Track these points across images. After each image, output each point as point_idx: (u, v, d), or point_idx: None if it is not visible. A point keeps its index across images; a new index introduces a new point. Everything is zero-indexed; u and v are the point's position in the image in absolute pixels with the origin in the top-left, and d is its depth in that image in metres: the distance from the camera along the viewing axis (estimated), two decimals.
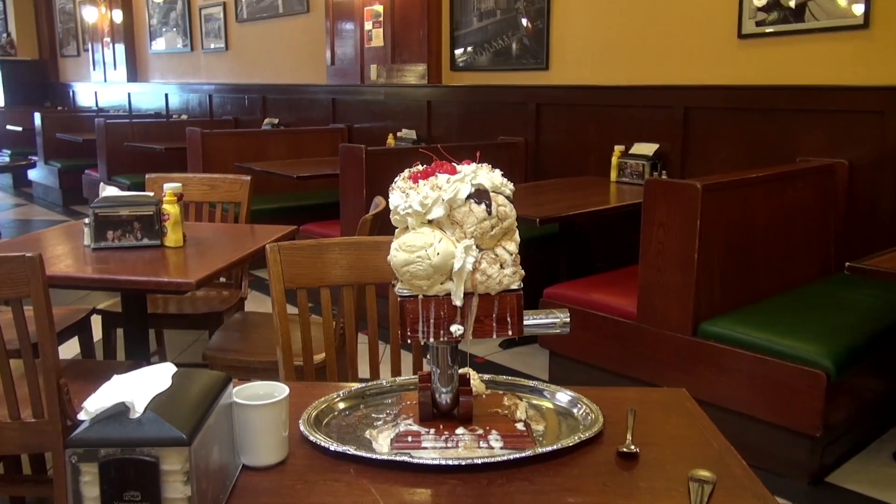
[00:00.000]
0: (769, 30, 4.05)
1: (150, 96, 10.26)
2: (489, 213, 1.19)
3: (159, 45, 9.95)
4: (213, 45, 8.88)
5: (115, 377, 1.06)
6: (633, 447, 1.26)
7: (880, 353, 3.09)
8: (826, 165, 3.77)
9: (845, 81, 3.78)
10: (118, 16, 10.46)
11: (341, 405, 1.43)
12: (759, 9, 4.07)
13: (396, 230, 1.25)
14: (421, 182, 1.21)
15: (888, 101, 3.62)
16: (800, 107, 3.95)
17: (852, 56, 3.77)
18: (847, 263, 2.58)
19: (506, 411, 1.36)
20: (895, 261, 2.62)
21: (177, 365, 1.14)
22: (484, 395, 1.42)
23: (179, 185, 2.78)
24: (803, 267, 3.65)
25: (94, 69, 11.45)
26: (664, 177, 4.39)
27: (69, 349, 3.07)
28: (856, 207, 3.81)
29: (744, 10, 4.12)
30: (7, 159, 8.88)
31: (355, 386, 1.50)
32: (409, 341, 1.23)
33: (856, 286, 3.39)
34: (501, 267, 1.21)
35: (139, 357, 2.78)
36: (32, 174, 9.98)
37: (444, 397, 1.31)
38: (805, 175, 3.68)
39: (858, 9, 3.70)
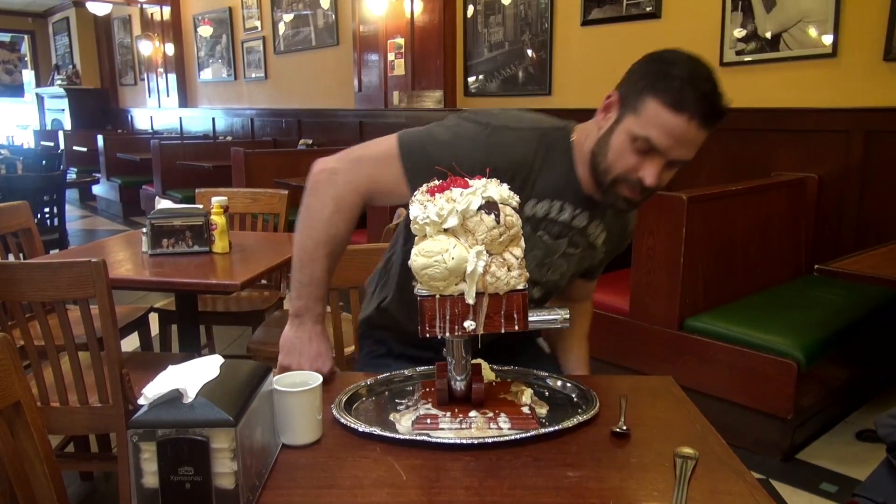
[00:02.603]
0: (748, 58, 4.04)
1: (198, 120, 10.31)
2: (498, 222, 1.19)
3: (207, 74, 10.01)
4: (254, 75, 8.92)
5: (171, 367, 1.07)
6: (625, 428, 1.26)
7: (845, 345, 3.08)
8: (798, 179, 3.75)
9: (815, 104, 3.76)
10: (170, 49, 10.53)
11: (368, 391, 1.44)
12: (739, 39, 4.06)
13: (416, 238, 1.26)
14: (437, 195, 1.22)
15: (853, 121, 3.61)
16: (775, 127, 3.94)
17: (822, 82, 3.75)
18: (816, 266, 2.57)
19: (513, 397, 1.36)
20: (859, 263, 2.60)
21: (224, 356, 1.15)
22: (494, 383, 1.42)
23: (225, 198, 2.80)
24: (777, 269, 3.64)
25: (149, 96, 11.52)
26: None
27: (130, 343, 3.09)
28: (824, 216, 3.79)
29: (725, 41, 4.12)
30: (74, 176, 8.96)
31: (380, 375, 1.50)
32: (427, 335, 1.23)
33: (824, 286, 3.37)
34: (509, 270, 1.21)
35: (191, 349, 2.79)
36: (96, 189, 10.06)
37: (459, 384, 1.32)
38: (779, 188, 3.67)
39: (827, 39, 3.68)
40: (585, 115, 1.61)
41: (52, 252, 4.08)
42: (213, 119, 9.89)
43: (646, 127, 1.39)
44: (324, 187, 1.51)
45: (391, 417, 1.32)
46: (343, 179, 1.51)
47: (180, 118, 10.72)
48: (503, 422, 1.27)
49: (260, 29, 8.57)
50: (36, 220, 3.40)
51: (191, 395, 1.00)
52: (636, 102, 1.41)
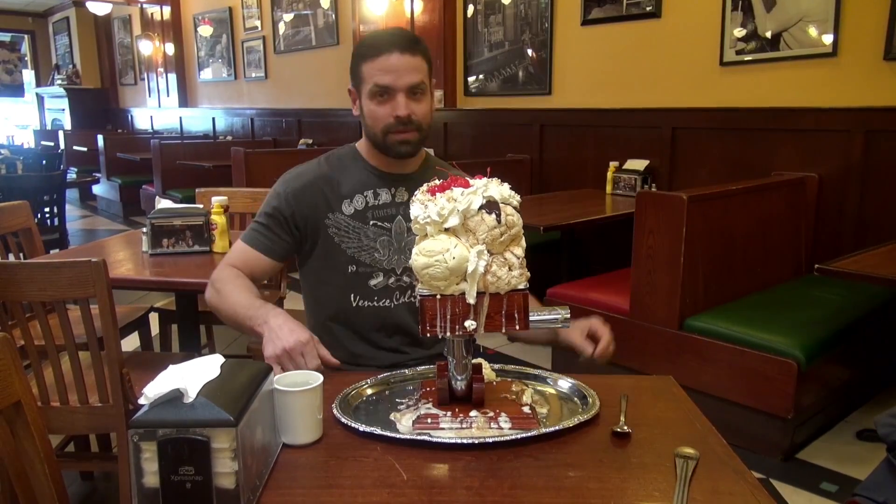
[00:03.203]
0: (748, 58, 4.04)
1: (198, 120, 10.31)
2: (499, 221, 1.19)
3: (207, 74, 10.00)
4: (254, 74, 8.92)
5: (171, 367, 1.07)
6: (625, 427, 1.26)
7: (845, 345, 3.07)
8: (798, 179, 3.75)
9: (815, 104, 3.76)
10: (170, 49, 10.52)
11: (369, 391, 1.44)
12: (739, 39, 4.06)
13: (417, 237, 1.26)
14: (438, 195, 1.22)
15: (853, 121, 3.61)
16: (775, 126, 3.94)
17: (822, 81, 3.75)
18: (816, 265, 2.57)
19: (513, 396, 1.36)
20: (859, 263, 2.60)
21: (224, 356, 1.15)
22: (494, 382, 1.42)
23: (225, 198, 2.79)
24: (778, 268, 3.64)
25: (149, 96, 11.52)
26: (654, 189, 4.38)
27: (130, 343, 3.09)
28: (824, 216, 3.79)
29: (725, 40, 4.12)
30: (74, 176, 8.96)
31: (381, 374, 1.50)
32: (428, 335, 1.23)
33: (824, 285, 3.37)
34: (510, 269, 1.21)
35: (191, 349, 2.79)
36: (96, 189, 10.06)
37: (460, 384, 1.32)
38: (779, 187, 3.67)
39: (828, 39, 3.68)
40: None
41: (52, 252, 4.08)
42: (213, 119, 9.89)
43: (369, 80, 1.70)
44: (212, 291, 1.72)
45: (392, 417, 1.31)
46: (220, 273, 1.75)
47: (180, 118, 10.72)
48: (504, 421, 1.26)
49: (260, 29, 8.57)
50: (36, 220, 3.40)
51: (191, 394, 1.00)
52: (358, 76, 1.74)
